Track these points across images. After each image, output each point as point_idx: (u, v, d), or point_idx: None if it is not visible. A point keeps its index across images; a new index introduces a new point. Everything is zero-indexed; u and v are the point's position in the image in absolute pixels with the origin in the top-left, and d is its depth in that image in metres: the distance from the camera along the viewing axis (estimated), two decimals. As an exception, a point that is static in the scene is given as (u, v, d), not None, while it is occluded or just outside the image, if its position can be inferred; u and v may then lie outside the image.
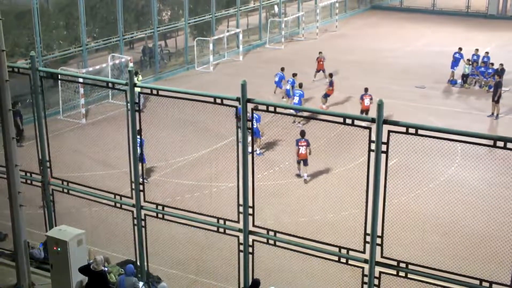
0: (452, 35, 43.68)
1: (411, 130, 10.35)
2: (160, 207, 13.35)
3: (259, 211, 12.87)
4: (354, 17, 51.82)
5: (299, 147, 20.74)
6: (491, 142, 9.98)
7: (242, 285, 12.78)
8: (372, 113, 13.30)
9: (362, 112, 25.47)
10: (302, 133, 20.98)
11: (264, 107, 11.71)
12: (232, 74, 33.53)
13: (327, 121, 11.40)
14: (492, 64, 31.79)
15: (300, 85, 27.19)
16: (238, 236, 12.47)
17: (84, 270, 13.11)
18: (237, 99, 11.71)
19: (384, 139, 10.52)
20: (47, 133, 14.47)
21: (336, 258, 11.69)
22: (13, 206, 13.28)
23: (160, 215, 13.38)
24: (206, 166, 20.96)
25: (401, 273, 11.10)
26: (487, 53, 33.09)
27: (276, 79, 29.88)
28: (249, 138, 12.30)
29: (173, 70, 34.81)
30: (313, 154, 20.76)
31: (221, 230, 12.67)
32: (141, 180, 13.33)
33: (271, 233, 12.27)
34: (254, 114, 11.90)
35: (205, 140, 22.76)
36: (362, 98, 26.01)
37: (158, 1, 35.01)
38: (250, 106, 11.77)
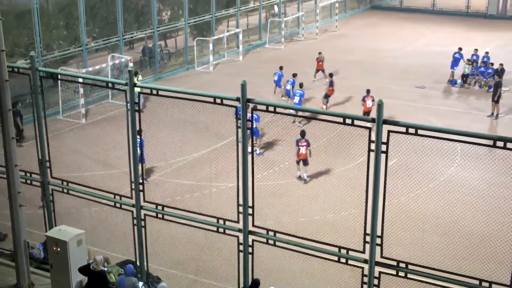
0: (452, 35, 43.65)
1: (411, 130, 10.36)
2: (159, 207, 13.34)
3: (259, 211, 12.86)
4: (354, 17, 51.79)
5: (299, 147, 20.72)
6: (491, 142, 9.99)
7: (241, 285, 12.78)
8: (372, 113, 13.29)
9: (364, 114, 24.03)
10: (302, 133, 20.95)
11: (264, 107, 11.70)
12: (232, 74, 33.51)
13: (327, 121, 11.41)
14: (492, 64, 31.78)
15: (301, 85, 27.16)
16: (238, 236, 12.46)
17: (83, 270, 13.11)
18: (237, 99, 11.71)
19: (384, 139, 10.52)
20: (47, 133, 14.46)
21: (335, 258, 11.69)
22: (13, 206, 13.27)
23: (159, 215, 13.38)
24: (206, 166, 20.94)
25: (401, 273, 11.11)
26: (487, 53, 33.06)
27: (275, 78, 29.90)
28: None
29: (173, 70, 34.79)
30: (313, 154, 20.75)
31: (221, 230, 12.67)
32: (141, 180, 13.33)
33: (271, 233, 12.27)
34: (253, 114, 11.90)
35: (205, 140, 22.73)
36: (364, 100, 25.47)
37: (158, 1, 34.99)
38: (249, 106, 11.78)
